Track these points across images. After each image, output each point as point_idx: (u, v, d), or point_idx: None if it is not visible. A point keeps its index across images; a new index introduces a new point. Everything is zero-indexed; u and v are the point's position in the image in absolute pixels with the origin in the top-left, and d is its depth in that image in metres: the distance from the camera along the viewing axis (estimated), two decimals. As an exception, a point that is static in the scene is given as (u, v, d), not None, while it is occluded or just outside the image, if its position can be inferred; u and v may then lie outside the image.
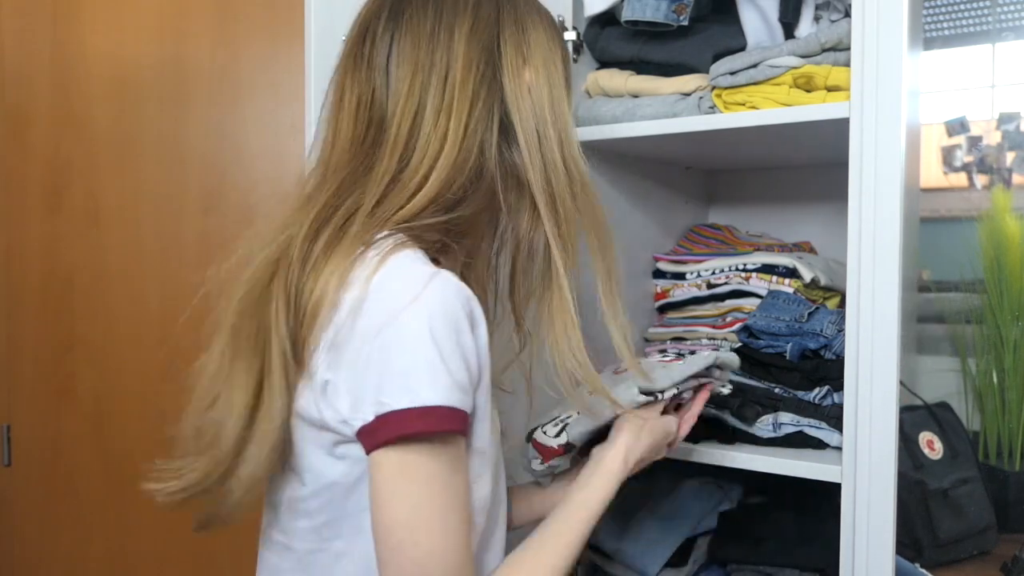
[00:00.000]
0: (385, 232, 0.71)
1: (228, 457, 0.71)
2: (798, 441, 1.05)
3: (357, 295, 0.66)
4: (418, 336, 0.64)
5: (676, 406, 0.95)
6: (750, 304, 1.24)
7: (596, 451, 0.87)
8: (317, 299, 0.68)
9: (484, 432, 0.72)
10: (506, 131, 0.79)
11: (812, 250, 1.40)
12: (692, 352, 1.30)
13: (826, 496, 1.00)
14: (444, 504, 0.66)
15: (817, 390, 1.07)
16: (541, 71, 0.80)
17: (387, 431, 0.63)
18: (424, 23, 0.77)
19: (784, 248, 1.34)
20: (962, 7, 2.18)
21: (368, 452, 0.66)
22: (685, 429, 0.93)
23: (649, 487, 1.25)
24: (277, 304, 0.69)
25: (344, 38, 0.81)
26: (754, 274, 1.24)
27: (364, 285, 0.66)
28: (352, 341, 0.66)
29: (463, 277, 0.80)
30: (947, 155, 2.15)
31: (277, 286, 0.70)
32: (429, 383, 0.63)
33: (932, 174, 2.14)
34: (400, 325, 0.64)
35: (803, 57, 1.04)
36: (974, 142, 2.12)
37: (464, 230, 0.79)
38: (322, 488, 0.72)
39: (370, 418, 0.64)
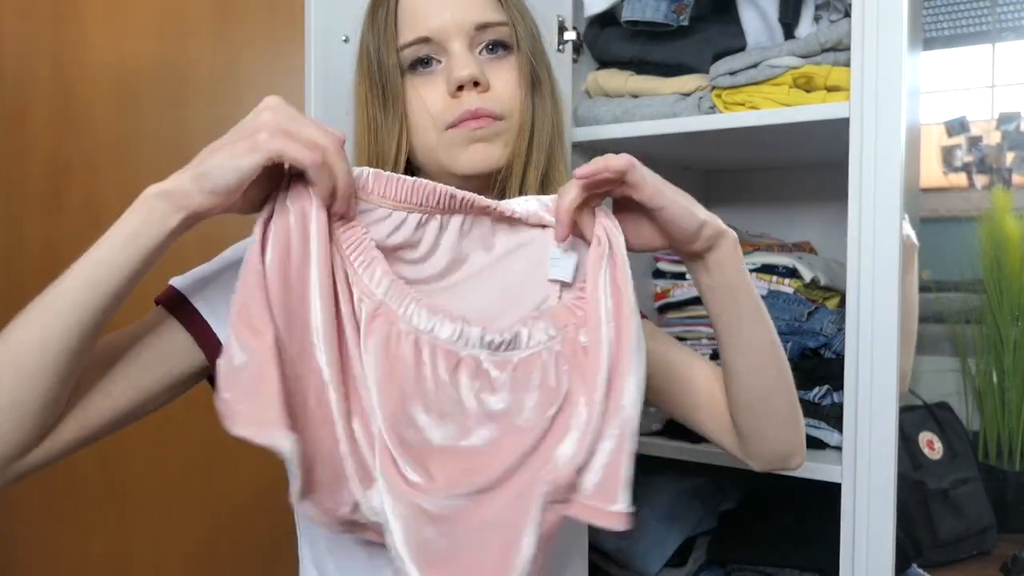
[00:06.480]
0: None
1: None
2: (798, 441, 1.05)
3: None
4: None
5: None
6: (750, 304, 1.24)
7: None
8: None
9: None
10: None
11: (812, 250, 1.40)
12: None
13: (826, 496, 1.00)
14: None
15: (817, 389, 1.07)
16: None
17: None
18: None
19: (784, 248, 1.34)
20: (962, 7, 2.17)
21: None
22: None
23: (649, 487, 1.26)
24: None
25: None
26: (754, 274, 1.24)
27: None
28: None
29: None
30: (947, 155, 2.14)
31: None
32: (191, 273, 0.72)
33: (932, 174, 2.14)
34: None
35: (803, 57, 1.04)
36: (974, 142, 2.11)
37: None
38: None
39: None
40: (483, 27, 0.75)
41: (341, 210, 0.61)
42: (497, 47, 0.76)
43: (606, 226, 0.66)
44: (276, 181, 0.61)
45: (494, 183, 0.76)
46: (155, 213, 0.58)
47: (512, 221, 0.68)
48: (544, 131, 0.77)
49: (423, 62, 0.75)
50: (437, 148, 0.74)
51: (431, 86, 0.74)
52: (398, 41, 0.74)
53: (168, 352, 0.68)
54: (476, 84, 0.73)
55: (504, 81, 0.75)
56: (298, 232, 0.59)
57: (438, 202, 0.64)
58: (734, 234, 0.70)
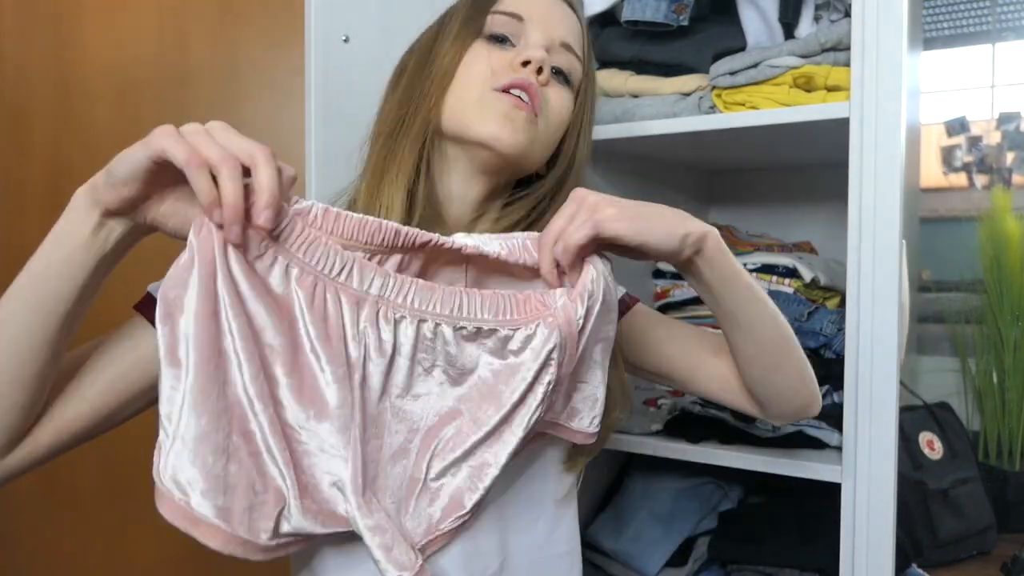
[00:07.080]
0: None
1: None
2: (797, 441, 1.05)
3: None
4: None
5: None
6: (750, 304, 1.24)
7: None
8: None
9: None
10: None
11: (812, 250, 1.40)
12: None
13: (826, 496, 1.00)
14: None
15: (817, 390, 1.07)
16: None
17: None
18: None
19: (784, 248, 1.34)
20: (962, 7, 2.17)
21: None
22: None
23: (649, 487, 1.25)
24: None
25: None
26: (754, 274, 1.24)
27: None
28: None
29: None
30: (947, 155, 2.14)
31: None
32: None
33: (932, 174, 2.14)
34: None
35: (803, 57, 1.04)
36: (974, 142, 2.11)
37: None
38: None
39: None
40: (566, 47, 0.79)
41: (262, 222, 0.56)
42: (561, 75, 0.79)
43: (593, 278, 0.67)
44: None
45: (495, 180, 0.78)
46: (77, 211, 0.61)
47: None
48: (561, 168, 0.81)
49: (499, 39, 0.77)
50: (474, 104, 0.74)
51: (498, 54, 0.76)
52: (496, 5, 0.77)
53: (143, 356, 0.67)
54: (540, 72, 0.75)
55: (556, 96, 0.78)
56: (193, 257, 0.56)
57: (383, 240, 0.63)
58: (714, 231, 0.70)
